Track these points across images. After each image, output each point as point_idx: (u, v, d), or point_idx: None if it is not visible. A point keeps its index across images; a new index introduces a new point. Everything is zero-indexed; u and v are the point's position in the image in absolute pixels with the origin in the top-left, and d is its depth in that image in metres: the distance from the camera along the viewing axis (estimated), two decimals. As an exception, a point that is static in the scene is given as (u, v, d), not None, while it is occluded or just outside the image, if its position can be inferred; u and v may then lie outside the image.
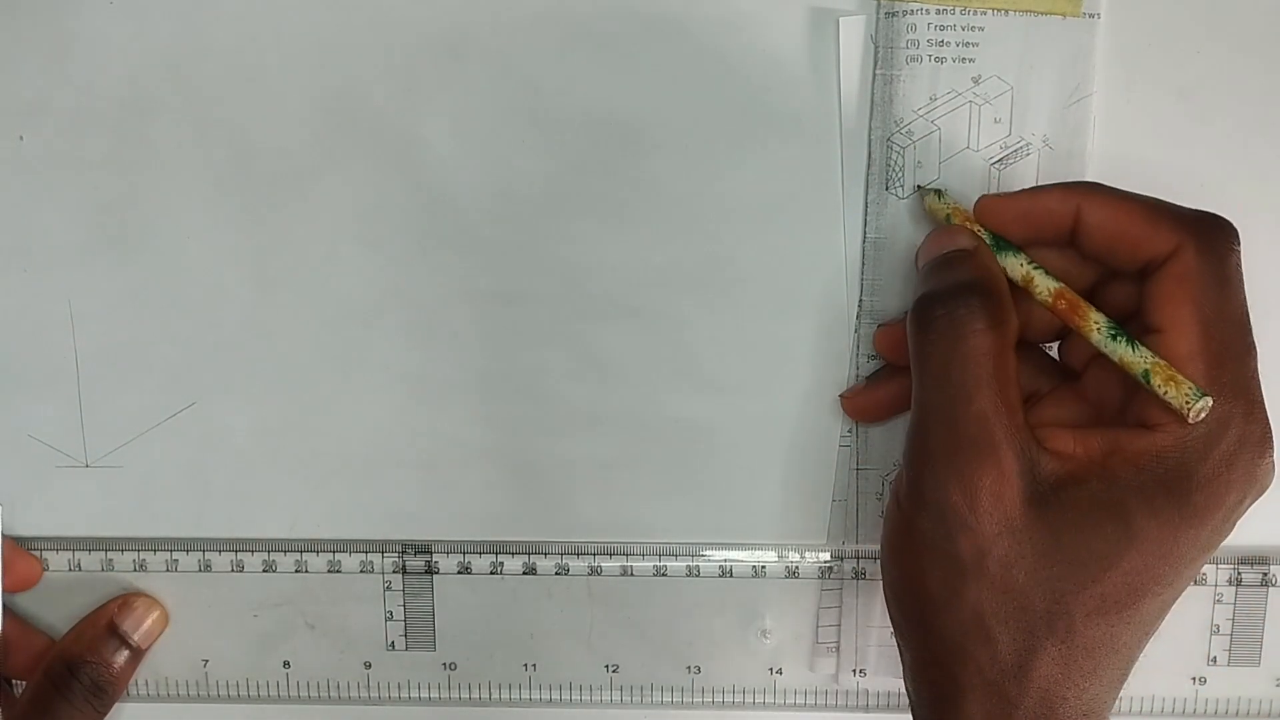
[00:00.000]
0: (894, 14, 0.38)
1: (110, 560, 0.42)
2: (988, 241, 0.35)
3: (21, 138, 0.39)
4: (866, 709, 0.42)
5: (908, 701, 0.35)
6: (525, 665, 0.42)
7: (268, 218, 0.40)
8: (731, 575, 0.42)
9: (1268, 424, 0.32)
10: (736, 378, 0.40)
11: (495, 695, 0.43)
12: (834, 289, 0.40)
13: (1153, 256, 0.32)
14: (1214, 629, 0.41)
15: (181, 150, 0.39)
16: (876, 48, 0.38)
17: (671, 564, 0.42)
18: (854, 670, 0.42)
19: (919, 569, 0.33)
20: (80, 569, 0.42)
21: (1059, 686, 0.32)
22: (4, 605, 0.41)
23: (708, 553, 0.42)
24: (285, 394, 0.41)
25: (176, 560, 0.42)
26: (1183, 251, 0.32)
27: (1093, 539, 0.31)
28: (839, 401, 0.40)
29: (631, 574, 0.42)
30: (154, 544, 0.42)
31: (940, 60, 0.38)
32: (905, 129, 0.38)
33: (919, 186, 0.38)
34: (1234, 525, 0.32)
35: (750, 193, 0.39)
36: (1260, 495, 0.32)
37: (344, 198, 0.39)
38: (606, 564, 0.42)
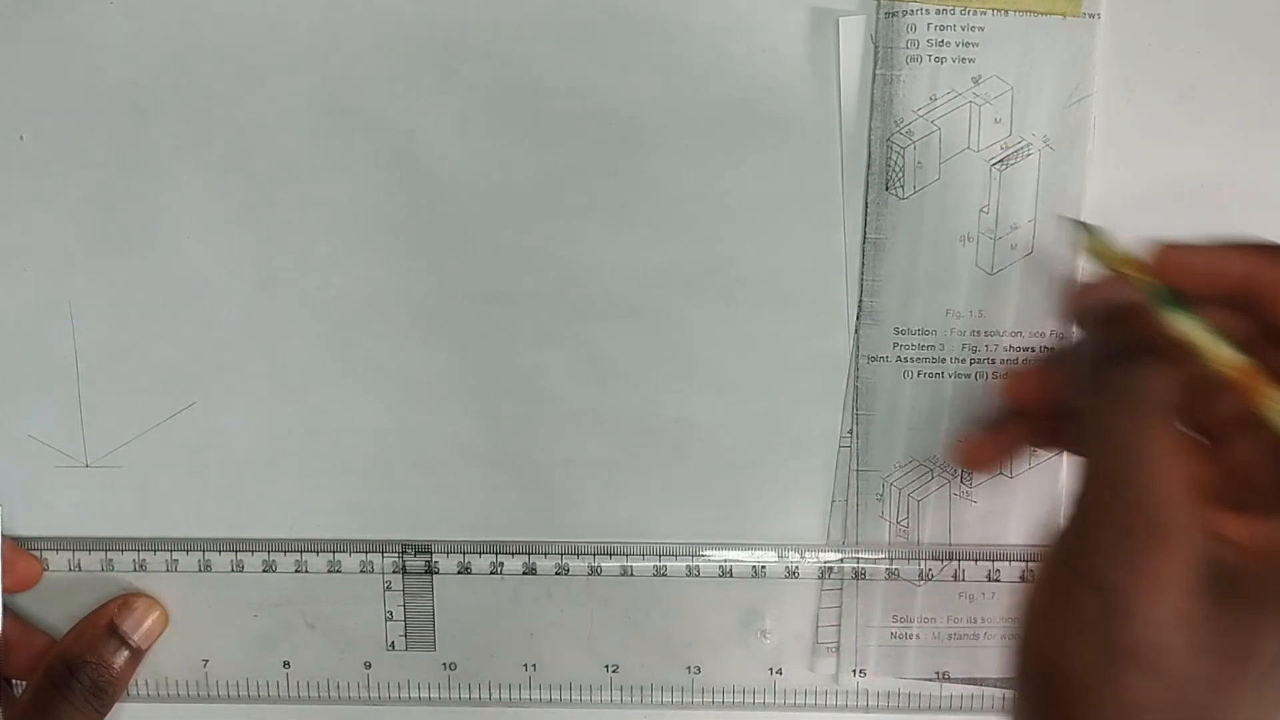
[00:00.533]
0: (894, 14, 0.38)
1: (110, 560, 0.42)
2: (1162, 294, 0.32)
3: (21, 138, 0.39)
4: (866, 709, 0.42)
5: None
6: (525, 665, 0.42)
7: (268, 218, 0.40)
8: (731, 575, 0.42)
9: None
10: (736, 378, 0.40)
11: (495, 695, 0.43)
12: (834, 289, 0.40)
13: None
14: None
15: (181, 150, 0.39)
16: (876, 48, 0.38)
17: (671, 564, 0.42)
18: (854, 670, 0.42)
19: (1072, 649, 0.30)
20: (80, 569, 0.42)
21: None
22: (4, 605, 0.41)
23: (708, 553, 0.42)
24: (285, 394, 0.41)
25: (176, 560, 0.42)
26: None
27: (1262, 638, 0.29)
28: (839, 401, 0.40)
29: (631, 574, 0.42)
30: (154, 544, 0.42)
31: (940, 60, 0.38)
32: (905, 129, 0.38)
33: (1077, 223, 0.34)
34: None
35: (750, 193, 0.39)
36: None
37: (344, 198, 0.39)
38: (606, 564, 0.42)
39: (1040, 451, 0.40)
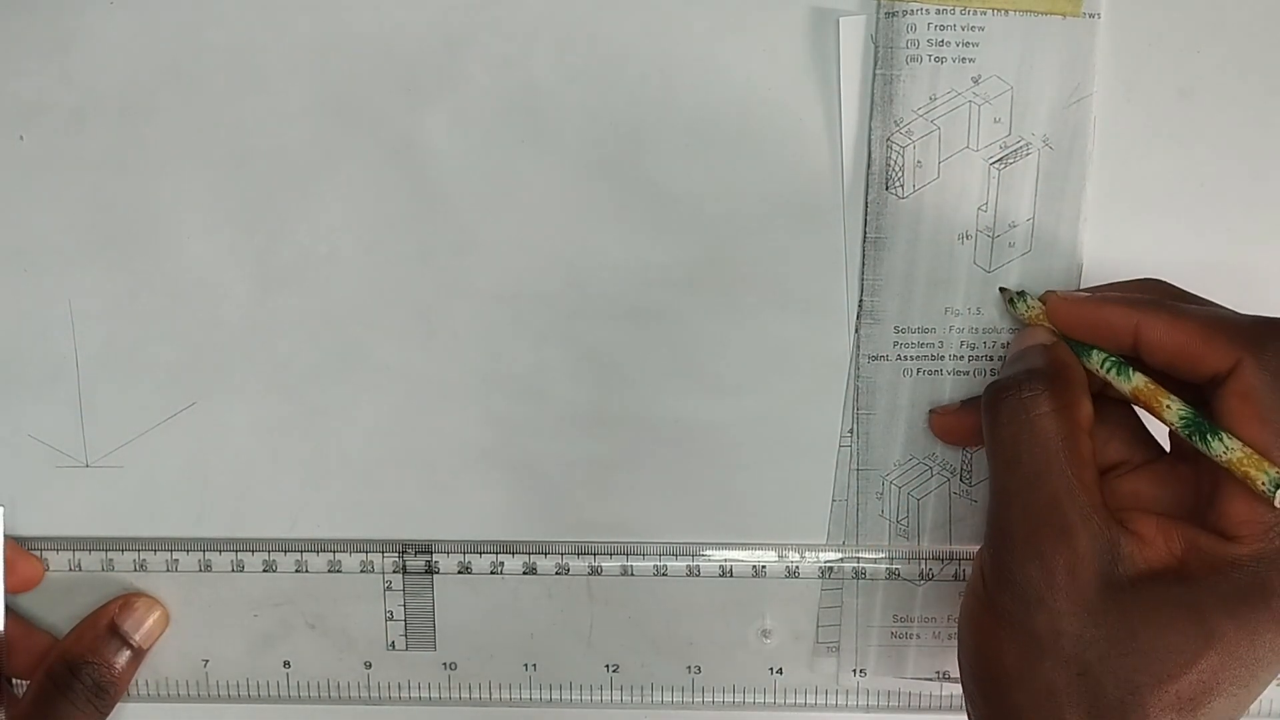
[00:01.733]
0: (894, 14, 0.38)
1: (110, 560, 0.42)
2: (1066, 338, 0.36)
3: (21, 138, 0.39)
4: (866, 709, 0.42)
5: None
6: (525, 665, 0.42)
7: (268, 218, 0.40)
8: (731, 575, 0.42)
9: None
10: (736, 378, 0.40)
11: (495, 695, 0.43)
12: (834, 288, 0.40)
13: (1213, 374, 0.33)
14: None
15: (181, 150, 0.39)
16: (876, 48, 0.38)
17: (671, 564, 0.42)
18: (854, 670, 0.42)
19: (996, 642, 0.33)
20: (81, 569, 0.42)
21: None
22: (6, 606, 0.41)
23: (708, 553, 0.42)
24: (285, 394, 0.41)
25: (177, 560, 0.42)
26: (1242, 368, 0.32)
27: (1170, 636, 0.31)
28: (840, 400, 0.40)
29: (631, 574, 0.42)
30: (154, 544, 0.42)
31: (940, 60, 0.38)
32: (905, 129, 0.38)
33: (1002, 290, 0.39)
34: None
35: (750, 193, 0.39)
36: None
37: (344, 198, 0.39)
38: (606, 564, 0.42)
39: None
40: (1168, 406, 0.34)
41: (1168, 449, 0.37)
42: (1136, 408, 0.36)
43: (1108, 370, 0.35)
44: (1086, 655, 0.32)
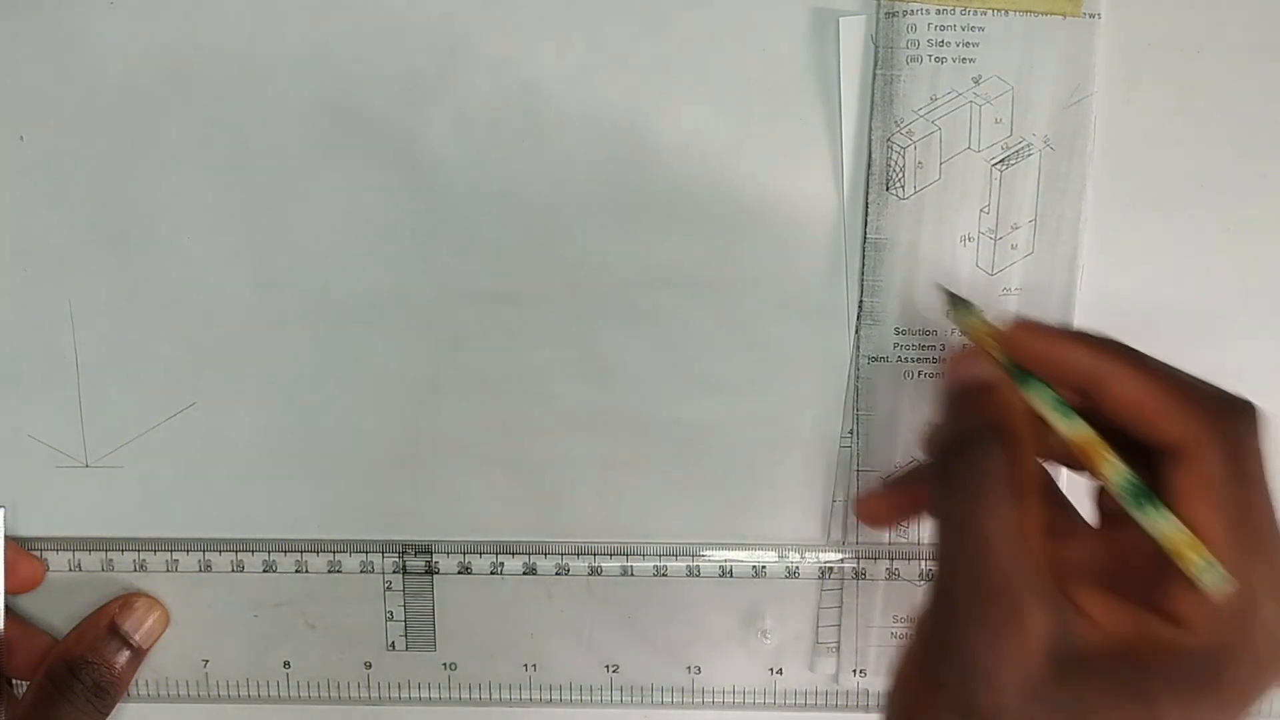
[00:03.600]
0: (894, 14, 0.38)
1: (110, 560, 0.42)
2: (1008, 365, 0.33)
3: (22, 138, 0.39)
4: (866, 709, 0.42)
5: None
6: (525, 665, 0.42)
7: (268, 218, 0.40)
8: (731, 575, 0.42)
9: None
10: (736, 378, 0.40)
11: (495, 695, 0.43)
12: (834, 289, 0.40)
13: (1170, 445, 0.31)
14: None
15: (181, 150, 0.39)
16: (876, 48, 0.38)
17: (671, 564, 0.42)
18: (854, 670, 0.42)
19: (930, 715, 0.32)
20: (81, 569, 0.42)
21: None
22: (6, 606, 0.41)
23: (708, 553, 0.42)
24: (285, 394, 0.41)
25: (177, 560, 0.42)
26: (1202, 450, 0.30)
27: (1116, 718, 0.30)
28: (840, 401, 0.40)
29: (631, 574, 0.42)
30: (154, 544, 0.42)
31: (940, 60, 0.38)
32: (905, 129, 0.38)
33: (946, 291, 0.37)
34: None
35: (750, 193, 0.39)
36: None
37: (344, 198, 0.39)
38: (606, 564, 0.42)
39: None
40: (1110, 463, 0.32)
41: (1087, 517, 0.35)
42: (1054, 465, 0.34)
43: (1052, 410, 0.32)
44: None
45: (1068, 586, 0.32)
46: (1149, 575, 0.32)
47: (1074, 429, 0.32)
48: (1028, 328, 0.34)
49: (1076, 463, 0.34)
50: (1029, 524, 0.31)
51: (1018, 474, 0.31)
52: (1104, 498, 0.35)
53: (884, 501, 0.38)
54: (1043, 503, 0.32)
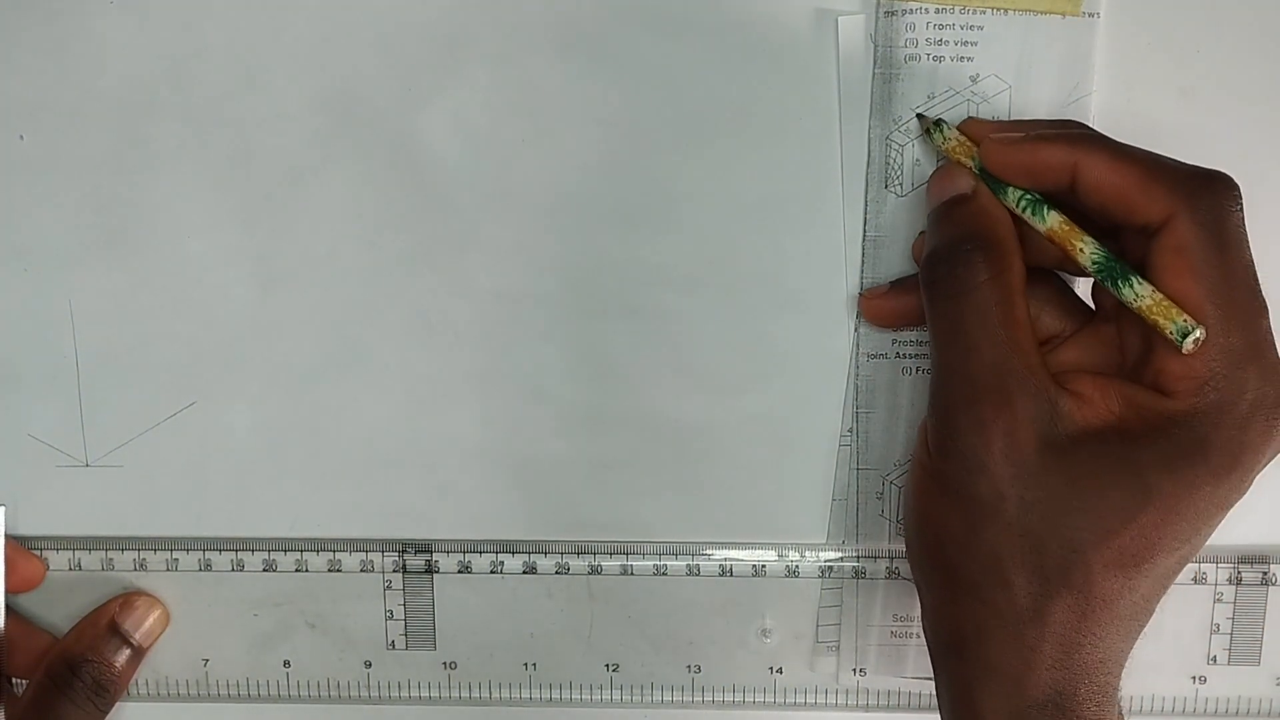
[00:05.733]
0: (893, 13, 0.38)
1: (111, 560, 0.42)
2: (983, 175, 0.35)
3: (22, 138, 0.39)
4: (866, 709, 0.42)
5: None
6: (525, 665, 0.42)
7: (268, 218, 0.40)
8: (731, 575, 0.42)
9: None
10: (736, 378, 0.40)
11: (495, 695, 0.43)
12: (834, 289, 0.40)
13: (1147, 223, 0.32)
14: (1214, 628, 0.41)
15: (181, 150, 0.39)
16: (876, 47, 0.38)
17: (671, 564, 0.42)
18: (854, 670, 0.42)
19: (941, 512, 0.34)
20: (81, 568, 0.42)
21: (1076, 634, 0.32)
22: (6, 605, 0.41)
23: (708, 552, 0.42)
24: (285, 394, 0.41)
25: (177, 560, 0.42)
26: (1177, 220, 0.32)
27: (1109, 493, 0.31)
28: (840, 399, 0.40)
29: (631, 574, 0.42)
30: (154, 544, 0.42)
31: (939, 59, 0.38)
32: (904, 128, 0.38)
33: (919, 116, 0.38)
34: (1252, 483, 0.32)
35: (750, 193, 0.39)
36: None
37: (344, 198, 0.39)
38: (606, 564, 0.42)
39: None
40: (1080, 250, 0.33)
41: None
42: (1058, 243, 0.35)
43: (1023, 209, 0.34)
44: (1029, 518, 0.32)
45: (1064, 377, 0.33)
46: (1140, 356, 0.33)
47: (1045, 223, 0.34)
48: (999, 139, 0.35)
49: (1065, 263, 0.35)
50: (1013, 320, 0.33)
51: (999, 276, 0.33)
52: (1098, 292, 0.36)
53: (888, 301, 0.39)
54: (1038, 303, 0.35)
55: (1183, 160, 0.33)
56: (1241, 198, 0.32)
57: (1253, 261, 0.32)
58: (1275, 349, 0.32)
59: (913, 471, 0.35)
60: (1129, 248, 0.34)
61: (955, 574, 0.34)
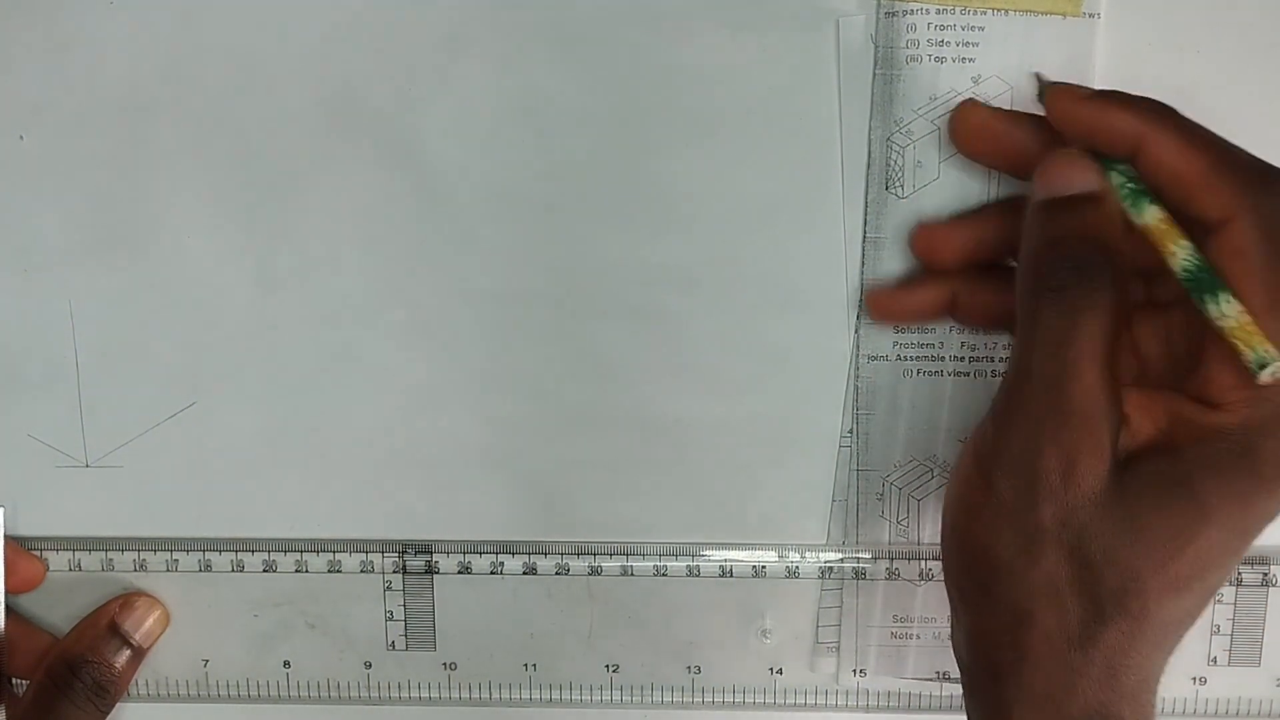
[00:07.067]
0: (894, 14, 0.38)
1: (110, 560, 0.42)
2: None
3: (22, 138, 0.39)
4: (866, 709, 0.42)
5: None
6: (525, 665, 0.42)
7: (268, 218, 0.40)
8: (731, 575, 0.42)
9: None
10: (736, 377, 0.40)
11: (495, 695, 0.43)
12: (834, 289, 0.40)
13: (1207, 218, 0.31)
14: (1214, 629, 0.41)
15: (181, 150, 0.39)
16: (876, 48, 0.38)
17: (671, 564, 0.42)
18: (854, 670, 0.42)
19: (991, 533, 0.32)
20: (81, 569, 0.42)
21: (1123, 656, 0.31)
22: (6, 605, 0.41)
23: (708, 553, 0.42)
24: (285, 394, 0.41)
25: (177, 560, 0.42)
26: (1239, 221, 0.30)
27: (1168, 518, 0.30)
28: (840, 400, 0.40)
29: (631, 574, 0.42)
30: (154, 544, 0.42)
31: (940, 60, 0.38)
32: (905, 129, 0.38)
33: (1037, 76, 0.36)
34: None
35: (750, 193, 0.39)
36: None
37: (344, 198, 0.39)
38: (606, 564, 0.42)
39: (961, 324, 0.39)
40: (1174, 253, 0.31)
41: None
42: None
43: (1123, 198, 0.32)
44: (1089, 546, 0.31)
45: None
46: (1181, 364, 0.32)
47: (1142, 217, 0.32)
48: (1068, 88, 0.33)
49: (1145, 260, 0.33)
50: (1115, 351, 0.31)
51: (1121, 298, 0.31)
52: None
53: (898, 300, 0.37)
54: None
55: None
56: None
57: None
58: None
59: (957, 486, 0.33)
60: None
61: (1003, 597, 0.32)
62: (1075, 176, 0.33)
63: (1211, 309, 0.30)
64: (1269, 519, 0.31)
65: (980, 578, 0.33)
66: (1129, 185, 0.32)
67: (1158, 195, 0.32)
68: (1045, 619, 0.31)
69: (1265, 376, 0.29)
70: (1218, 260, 0.31)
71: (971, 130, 0.37)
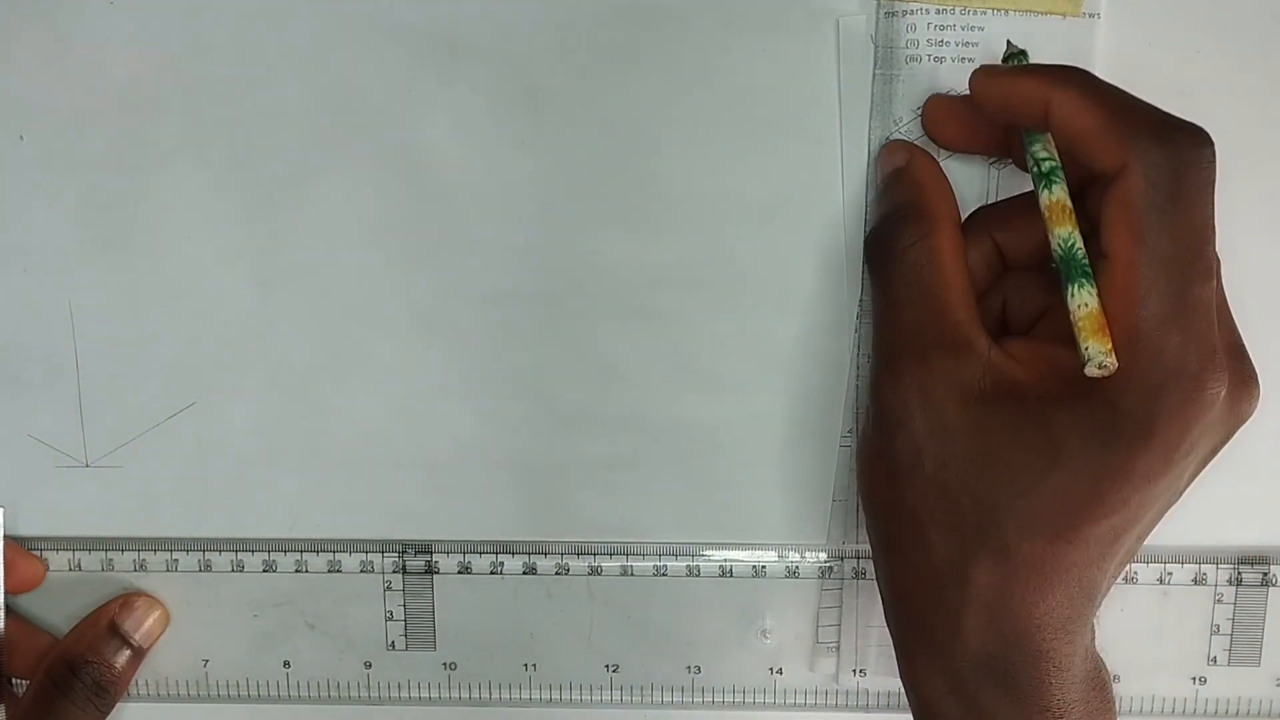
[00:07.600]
0: (894, 14, 0.38)
1: (110, 560, 0.42)
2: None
3: (22, 137, 0.39)
4: (866, 709, 0.42)
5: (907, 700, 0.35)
6: (525, 665, 0.42)
7: (268, 218, 0.40)
8: (731, 575, 0.42)
9: (1210, 356, 0.30)
10: (736, 378, 0.40)
11: (495, 695, 0.43)
12: (834, 289, 0.40)
13: (1105, 171, 0.31)
14: (1214, 629, 0.41)
15: (181, 150, 0.39)
16: (876, 48, 0.38)
17: (671, 564, 0.42)
18: (854, 670, 0.42)
19: (873, 474, 0.34)
20: (81, 569, 0.42)
21: (1000, 597, 0.32)
22: (6, 605, 0.41)
23: (708, 553, 0.42)
24: (285, 394, 0.41)
25: (176, 560, 0.42)
26: (1127, 173, 0.30)
27: (1019, 451, 0.31)
28: (840, 397, 0.40)
29: (631, 574, 0.42)
30: (154, 544, 0.42)
31: (940, 60, 0.38)
32: (905, 129, 0.38)
33: (1009, 43, 0.36)
34: (1189, 460, 0.31)
35: (750, 193, 0.39)
36: (1216, 429, 0.31)
37: (344, 198, 0.39)
38: (606, 564, 0.42)
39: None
40: (1055, 235, 0.32)
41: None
42: None
43: (1033, 169, 0.33)
44: (945, 475, 0.32)
45: (1008, 341, 0.33)
46: (1062, 319, 0.32)
47: (1045, 196, 0.32)
48: (987, 68, 0.34)
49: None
50: (942, 282, 0.33)
51: (924, 240, 0.34)
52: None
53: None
54: (977, 265, 0.35)
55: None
56: (1213, 154, 0.30)
57: (1209, 223, 0.30)
58: (1209, 319, 0.30)
59: (857, 442, 0.36)
60: (1091, 200, 0.32)
61: (883, 535, 0.34)
62: (885, 161, 0.37)
63: (1069, 296, 0.31)
64: (1147, 479, 0.30)
65: (869, 520, 0.35)
66: (1041, 164, 0.33)
67: (1070, 159, 0.32)
68: (913, 554, 0.33)
69: (1090, 370, 0.30)
70: (1105, 211, 0.30)
71: (941, 121, 0.38)
